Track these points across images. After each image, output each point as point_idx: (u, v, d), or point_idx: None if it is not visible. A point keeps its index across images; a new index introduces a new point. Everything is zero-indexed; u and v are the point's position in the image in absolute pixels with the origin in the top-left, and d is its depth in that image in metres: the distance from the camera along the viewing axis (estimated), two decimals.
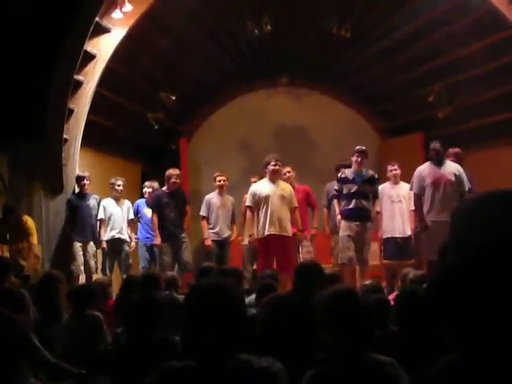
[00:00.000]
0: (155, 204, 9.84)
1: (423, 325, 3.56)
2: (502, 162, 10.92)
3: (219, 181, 10.30)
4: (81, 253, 9.77)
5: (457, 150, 9.19)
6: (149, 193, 10.44)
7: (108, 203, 10.23)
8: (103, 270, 10.05)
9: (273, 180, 8.96)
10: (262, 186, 8.98)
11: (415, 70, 12.34)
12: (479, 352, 1.29)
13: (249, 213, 9.12)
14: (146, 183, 10.65)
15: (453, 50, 11.42)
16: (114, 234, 10.14)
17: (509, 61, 10.63)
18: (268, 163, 8.97)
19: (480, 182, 8.90)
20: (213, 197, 10.36)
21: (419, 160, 10.11)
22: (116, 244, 10.16)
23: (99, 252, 10.16)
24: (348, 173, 9.20)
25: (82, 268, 9.75)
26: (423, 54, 11.87)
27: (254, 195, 8.98)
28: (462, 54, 11.34)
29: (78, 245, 9.79)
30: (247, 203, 9.10)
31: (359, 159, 9.08)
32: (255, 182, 9.58)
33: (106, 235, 10.14)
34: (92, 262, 9.85)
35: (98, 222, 10.11)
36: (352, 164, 9.22)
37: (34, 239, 9.39)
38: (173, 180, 9.78)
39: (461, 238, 1.35)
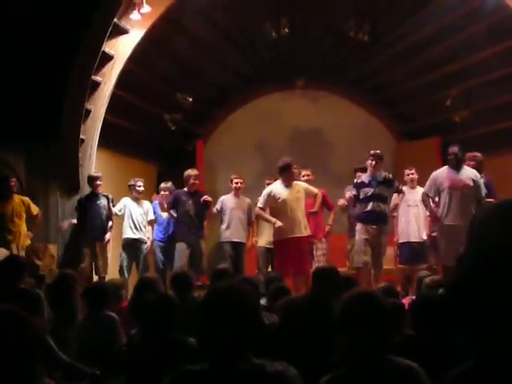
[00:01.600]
0: (172, 201, 9.80)
1: (439, 330, 3.54)
2: None
3: (236, 183, 10.25)
4: (89, 253, 9.77)
5: (476, 154, 9.06)
6: (165, 196, 10.25)
7: (128, 203, 10.21)
8: (120, 271, 10.00)
9: (288, 183, 8.95)
10: (278, 190, 8.95)
11: (432, 74, 12.31)
12: (495, 358, 1.28)
13: (260, 212, 9.13)
14: (162, 185, 10.51)
15: (470, 54, 11.36)
16: (134, 234, 10.13)
17: None
18: (286, 166, 8.95)
19: (497, 187, 8.85)
20: (228, 198, 10.32)
21: (435, 164, 10.09)
22: (135, 244, 10.13)
23: (112, 252, 10.17)
24: (364, 177, 9.19)
25: (91, 269, 9.74)
26: (440, 57, 11.83)
27: (268, 197, 8.97)
28: (480, 58, 11.28)
29: (86, 245, 9.80)
30: (259, 204, 9.09)
31: (374, 163, 9.03)
32: (269, 184, 9.57)
33: (125, 235, 10.16)
34: (100, 263, 9.79)
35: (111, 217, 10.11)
36: (368, 167, 9.21)
37: (35, 209, 9.45)
38: (191, 181, 9.75)
39: (478, 245, 1.35)
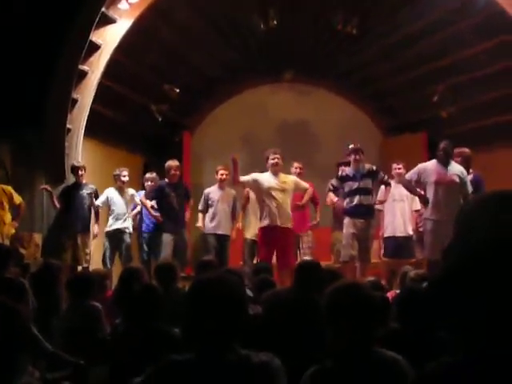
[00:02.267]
0: (156, 193, 9.76)
1: (424, 324, 3.56)
2: (507, 163, 10.87)
3: (222, 174, 10.24)
4: (71, 245, 9.70)
5: (463, 150, 9.04)
6: (151, 186, 10.27)
7: (111, 193, 10.15)
8: (103, 261, 9.93)
9: (274, 173, 8.93)
10: (265, 178, 8.94)
11: (420, 69, 12.32)
12: (482, 352, 1.28)
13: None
14: (147, 176, 10.52)
15: (459, 50, 11.38)
16: (117, 224, 10.07)
17: None
18: (268, 157, 8.97)
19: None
20: (212, 190, 10.31)
21: (422, 159, 10.08)
22: (118, 235, 10.07)
23: (97, 243, 10.13)
24: (347, 170, 9.18)
25: (72, 260, 9.65)
26: (429, 52, 11.84)
27: (254, 181, 8.95)
28: (468, 55, 11.30)
29: (68, 235, 9.73)
30: (243, 178, 9.00)
31: (357, 157, 9.03)
32: None
33: (108, 225, 10.10)
34: (81, 254, 9.69)
35: (96, 210, 10.05)
36: (351, 162, 9.19)
37: (18, 198, 9.37)
38: (172, 172, 9.70)
39: (464, 238, 1.35)
